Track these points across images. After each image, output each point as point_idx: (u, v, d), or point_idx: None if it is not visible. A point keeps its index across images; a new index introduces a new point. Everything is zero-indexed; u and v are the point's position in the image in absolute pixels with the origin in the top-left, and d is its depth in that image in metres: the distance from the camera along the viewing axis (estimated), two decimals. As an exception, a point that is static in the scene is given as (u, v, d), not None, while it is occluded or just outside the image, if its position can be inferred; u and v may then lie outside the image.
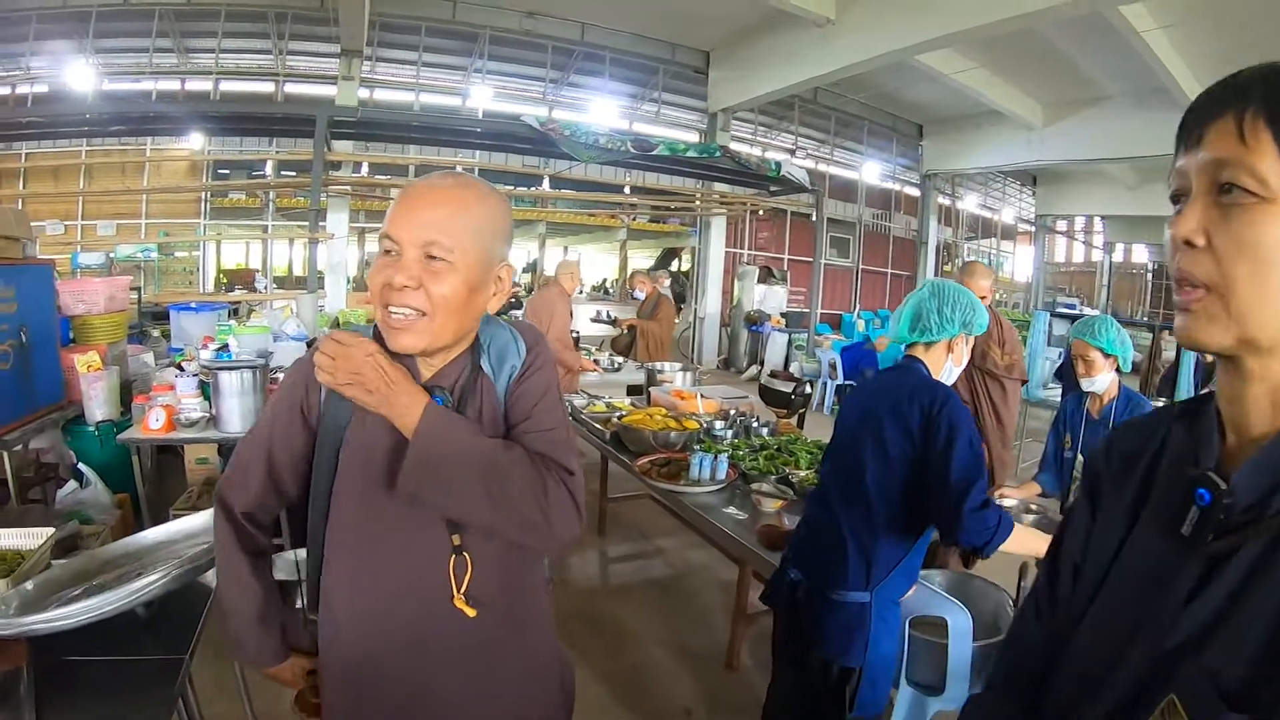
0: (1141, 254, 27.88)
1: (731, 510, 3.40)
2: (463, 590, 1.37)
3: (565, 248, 22.51)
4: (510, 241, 1.43)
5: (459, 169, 13.09)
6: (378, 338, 1.37)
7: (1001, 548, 2.10)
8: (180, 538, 2.10)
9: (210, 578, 1.91)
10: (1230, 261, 0.76)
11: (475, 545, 1.39)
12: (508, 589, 1.46)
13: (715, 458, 3.73)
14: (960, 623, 2.41)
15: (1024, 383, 4.59)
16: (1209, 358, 0.87)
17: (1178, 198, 0.85)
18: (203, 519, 2.13)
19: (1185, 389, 9.34)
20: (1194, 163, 0.82)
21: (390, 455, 1.35)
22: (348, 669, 1.43)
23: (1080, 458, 3.44)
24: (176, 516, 4.21)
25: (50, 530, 2.11)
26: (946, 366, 2.39)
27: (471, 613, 1.37)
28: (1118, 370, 3.35)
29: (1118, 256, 28.00)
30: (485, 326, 1.47)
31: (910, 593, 2.39)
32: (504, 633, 1.46)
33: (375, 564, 1.40)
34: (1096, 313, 17.92)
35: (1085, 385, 3.39)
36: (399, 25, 12.26)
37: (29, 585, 1.79)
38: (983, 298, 3.79)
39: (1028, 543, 2.18)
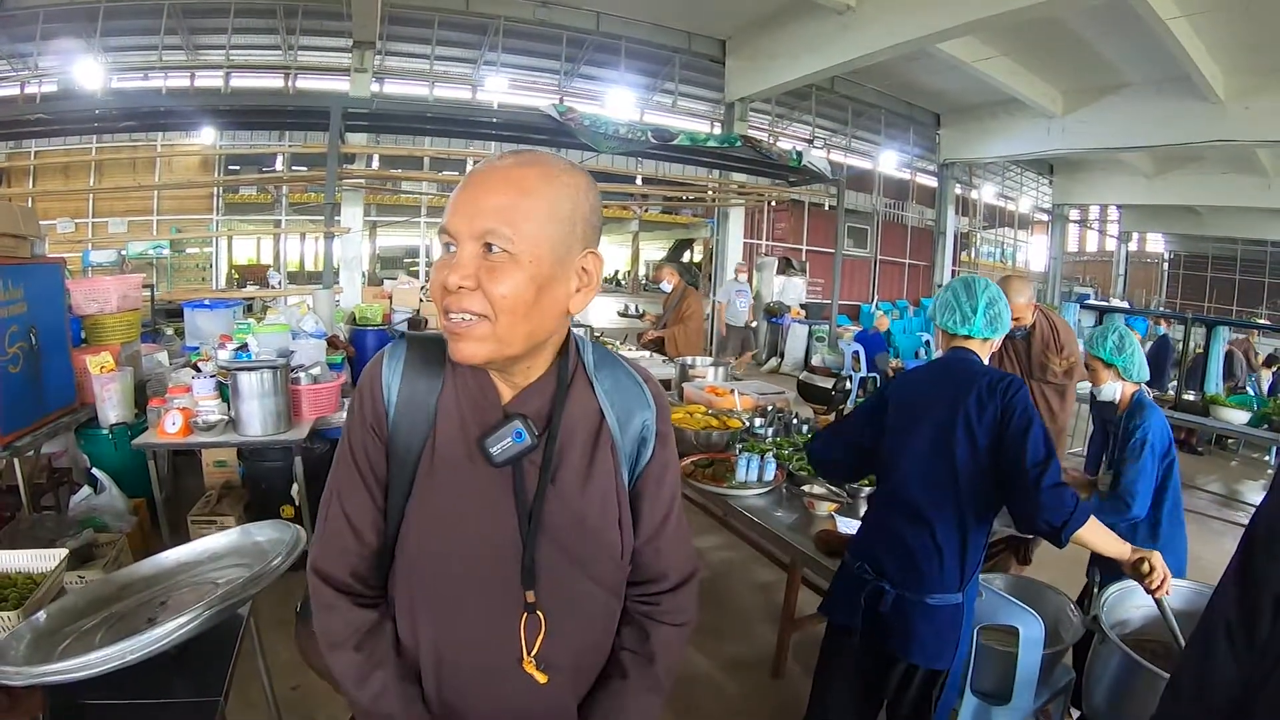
0: (1158, 243, 27.62)
1: (781, 514, 3.30)
2: (533, 652, 1.18)
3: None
4: (595, 225, 1.18)
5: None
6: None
7: (1078, 535, 2.04)
8: (205, 559, 1.93)
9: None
10: None
11: (552, 604, 1.19)
12: (585, 654, 1.27)
13: (762, 459, 3.62)
14: (1033, 630, 2.37)
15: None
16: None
17: None
18: (228, 538, 1.97)
19: (1214, 384, 9.17)
20: None
21: (465, 486, 1.17)
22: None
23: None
24: (195, 523, 4.11)
25: (63, 552, 1.93)
26: (988, 361, 2.40)
27: (542, 679, 1.18)
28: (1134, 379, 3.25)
29: (1133, 245, 27.75)
30: (593, 349, 1.29)
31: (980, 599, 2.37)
32: (574, 700, 1.27)
33: (443, 608, 1.20)
34: (1118, 303, 17.87)
35: (1097, 395, 3.34)
36: (411, 17, 12.12)
37: (41, 616, 1.63)
38: (1017, 319, 3.77)
39: (1107, 537, 2.13)
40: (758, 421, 4.50)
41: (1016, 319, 3.78)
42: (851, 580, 2.36)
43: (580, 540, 1.21)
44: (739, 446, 3.93)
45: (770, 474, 3.56)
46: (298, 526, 1.86)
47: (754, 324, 11.35)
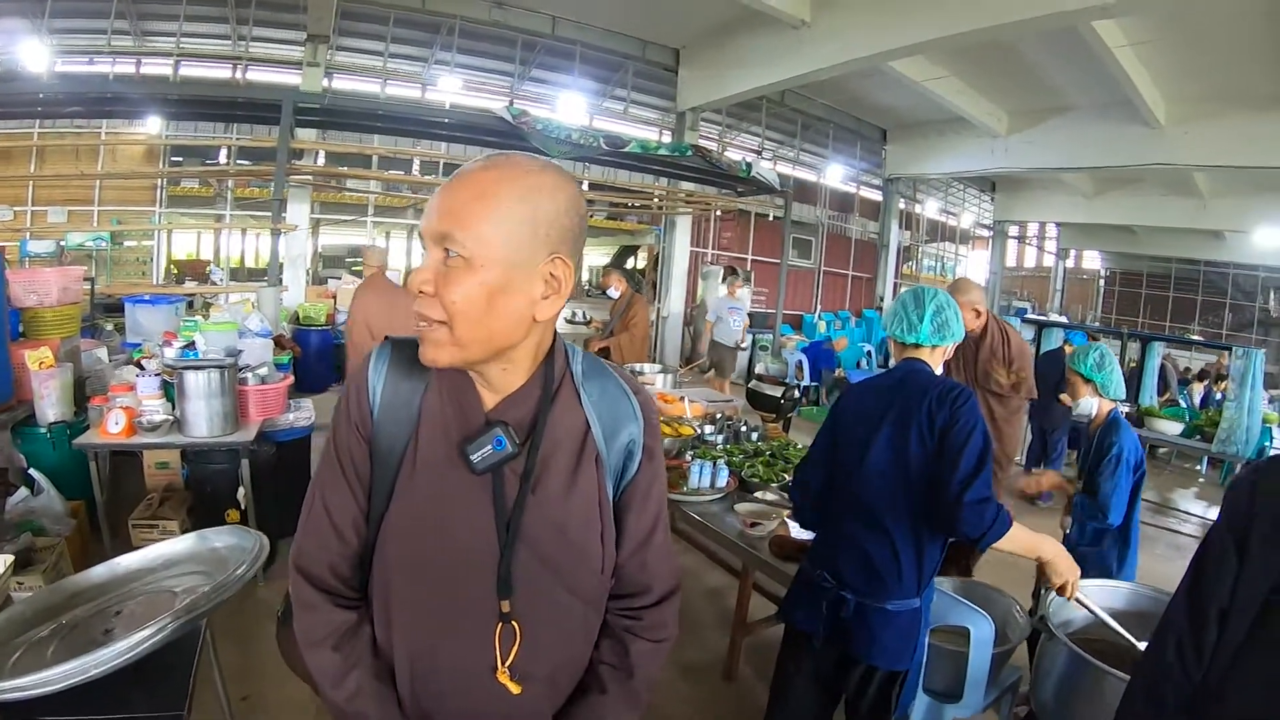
0: (1094, 260, 28.38)
1: (733, 519, 3.36)
2: (508, 663, 1.18)
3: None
4: (566, 228, 1.14)
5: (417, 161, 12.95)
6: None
7: (996, 545, 2.13)
8: (159, 566, 1.87)
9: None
10: None
11: (529, 614, 1.19)
12: (562, 666, 1.27)
13: (714, 465, 3.66)
14: (984, 631, 2.51)
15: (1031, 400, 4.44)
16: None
17: None
18: (184, 545, 1.92)
19: (1149, 396, 9.46)
20: None
21: (445, 491, 1.17)
22: None
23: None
24: (136, 527, 4.02)
25: (8, 558, 1.86)
26: (940, 370, 2.46)
27: (516, 689, 1.18)
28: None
29: (1070, 262, 28.47)
30: (584, 359, 1.29)
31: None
32: (550, 711, 1.26)
33: (418, 614, 1.19)
34: (1056, 318, 18.31)
35: (1074, 409, 3.55)
36: (366, 13, 11.92)
37: (-12, 628, 1.56)
38: (978, 314, 3.98)
39: (1024, 540, 2.19)
40: (708, 429, 4.55)
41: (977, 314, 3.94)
42: (812, 588, 2.41)
43: (560, 551, 1.21)
44: (691, 453, 3.96)
45: (723, 480, 3.64)
46: (260, 534, 1.82)
47: (744, 345, 10.92)
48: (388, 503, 1.19)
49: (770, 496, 3.55)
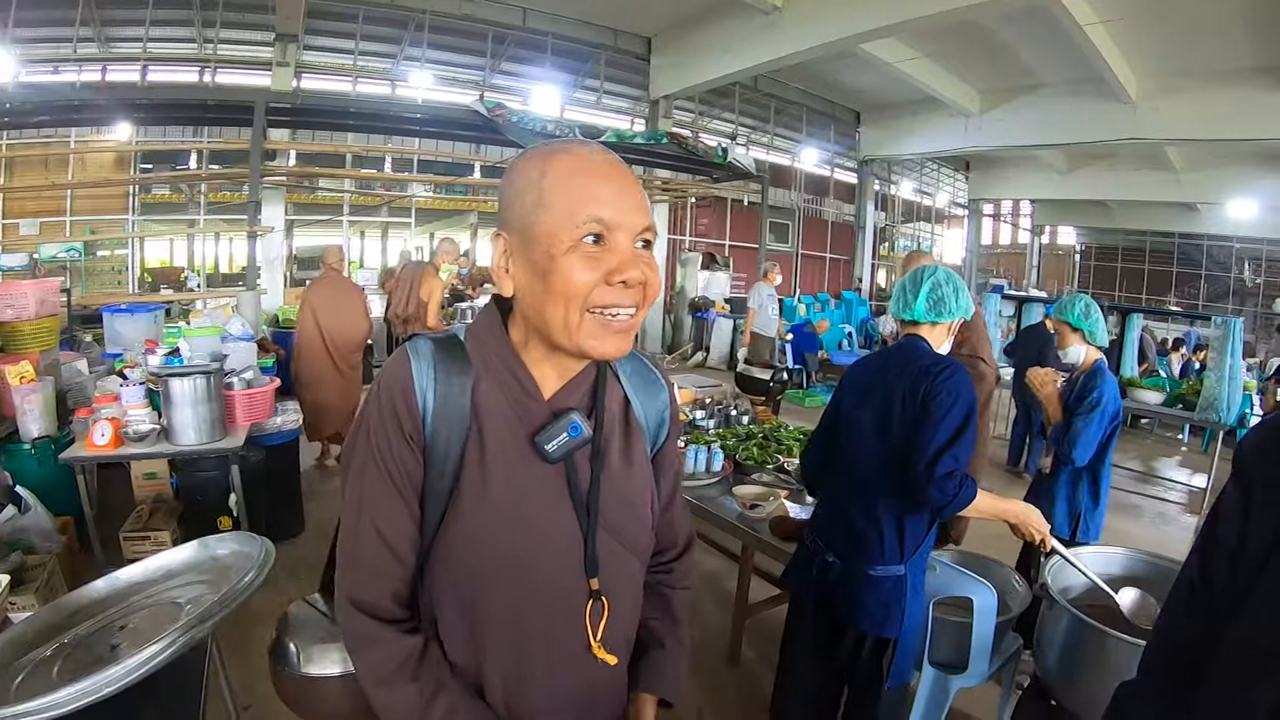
0: (1069, 235, 28.58)
1: (730, 502, 3.38)
2: (599, 637, 1.19)
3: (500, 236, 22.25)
4: (500, 208, 1.17)
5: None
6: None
7: (963, 513, 2.22)
8: (160, 577, 1.82)
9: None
10: None
11: (610, 586, 1.20)
12: (631, 626, 1.31)
13: (709, 450, 3.70)
14: (986, 600, 2.58)
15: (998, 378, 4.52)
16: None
17: None
18: (185, 554, 1.88)
19: (1130, 367, 9.57)
20: None
21: (521, 485, 1.15)
22: None
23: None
24: (128, 540, 3.98)
25: (5, 578, 1.81)
26: (946, 347, 2.48)
27: (613, 660, 1.21)
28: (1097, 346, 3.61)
29: (1045, 238, 28.67)
30: None
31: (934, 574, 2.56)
32: (624, 677, 1.30)
33: (509, 610, 1.17)
34: (1036, 293, 18.54)
35: (1063, 357, 3.67)
36: (334, 10, 11.83)
37: (-12, 651, 1.51)
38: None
39: (990, 506, 2.31)
40: (699, 414, 4.56)
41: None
42: (805, 553, 2.53)
43: (629, 522, 1.23)
44: (684, 439, 3.97)
45: (718, 464, 3.67)
46: (264, 539, 1.78)
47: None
48: (444, 510, 1.15)
49: (767, 478, 3.57)
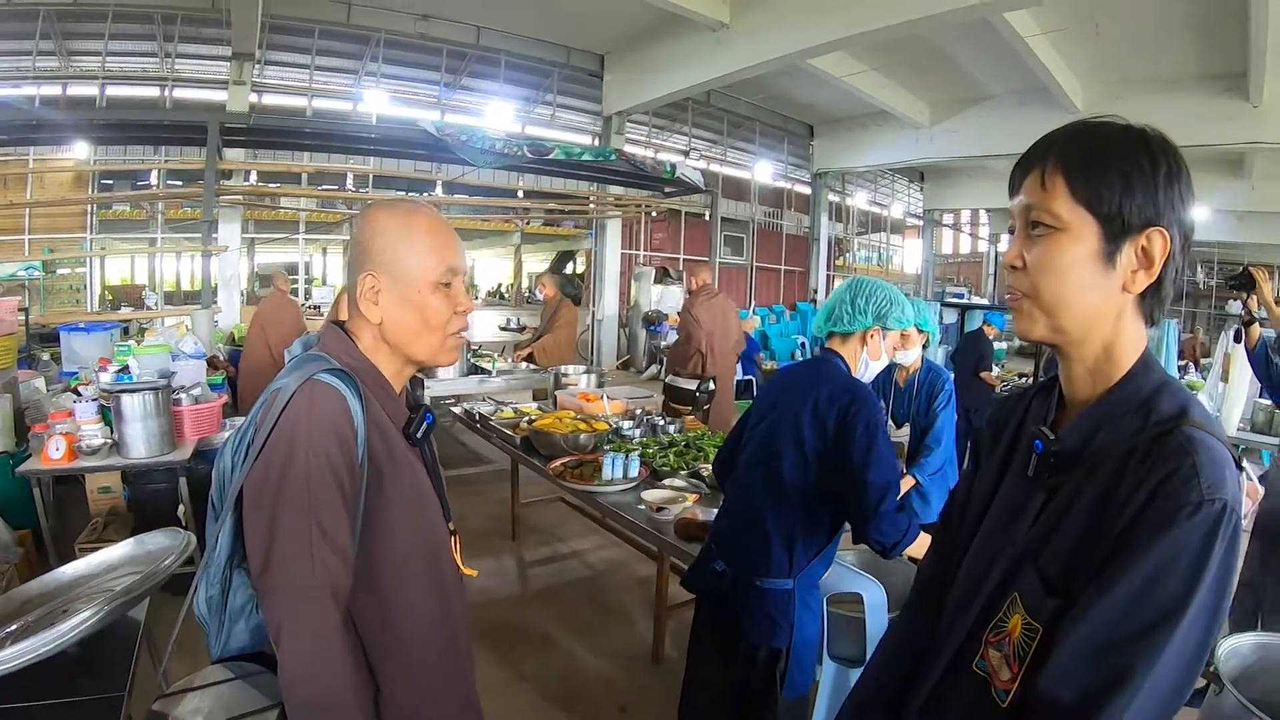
0: (1023, 244, 29.05)
1: (645, 507, 3.43)
2: (460, 559, 1.61)
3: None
4: (366, 248, 1.44)
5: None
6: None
7: (906, 551, 2.25)
8: (101, 570, 2.07)
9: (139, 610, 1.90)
10: (1037, 276, 1.06)
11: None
12: None
13: (627, 457, 3.83)
14: (875, 596, 2.58)
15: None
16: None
17: (1011, 231, 1.13)
18: (123, 550, 2.11)
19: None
20: (1016, 206, 1.10)
21: (411, 463, 1.49)
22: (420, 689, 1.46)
23: (892, 423, 4.03)
24: (83, 550, 4.13)
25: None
26: (863, 360, 2.46)
27: (474, 573, 1.66)
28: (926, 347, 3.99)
29: (1003, 246, 29.05)
30: None
31: (827, 573, 2.53)
32: None
33: (440, 579, 1.52)
34: (979, 300, 18.94)
35: (898, 358, 3.92)
36: (291, 27, 11.94)
37: (-55, 635, 1.75)
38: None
39: (923, 545, 2.26)
40: (626, 424, 4.75)
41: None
42: (704, 556, 2.57)
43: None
44: (607, 447, 4.18)
45: (634, 470, 3.76)
46: (189, 532, 2.03)
47: None
48: (366, 498, 1.38)
49: (679, 483, 3.69)
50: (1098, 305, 1.04)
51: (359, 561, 1.34)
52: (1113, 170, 1.01)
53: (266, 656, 1.42)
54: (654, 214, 15.07)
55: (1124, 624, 0.90)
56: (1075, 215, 1.02)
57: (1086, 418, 1.06)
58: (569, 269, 18.81)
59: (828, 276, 20.00)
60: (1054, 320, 1.06)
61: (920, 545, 2.22)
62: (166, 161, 11.33)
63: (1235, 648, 2.23)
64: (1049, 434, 1.08)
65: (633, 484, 3.72)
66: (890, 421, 4.00)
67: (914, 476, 3.81)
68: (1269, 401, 6.26)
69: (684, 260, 16.84)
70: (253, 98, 11.65)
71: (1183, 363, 12.59)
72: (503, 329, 11.45)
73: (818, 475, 2.30)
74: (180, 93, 11.82)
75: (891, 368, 3.95)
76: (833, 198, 20.29)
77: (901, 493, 3.83)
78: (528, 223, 16.30)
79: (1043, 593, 1.01)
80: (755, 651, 2.35)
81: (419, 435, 1.49)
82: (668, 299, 14.84)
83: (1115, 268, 1.02)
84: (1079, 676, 0.92)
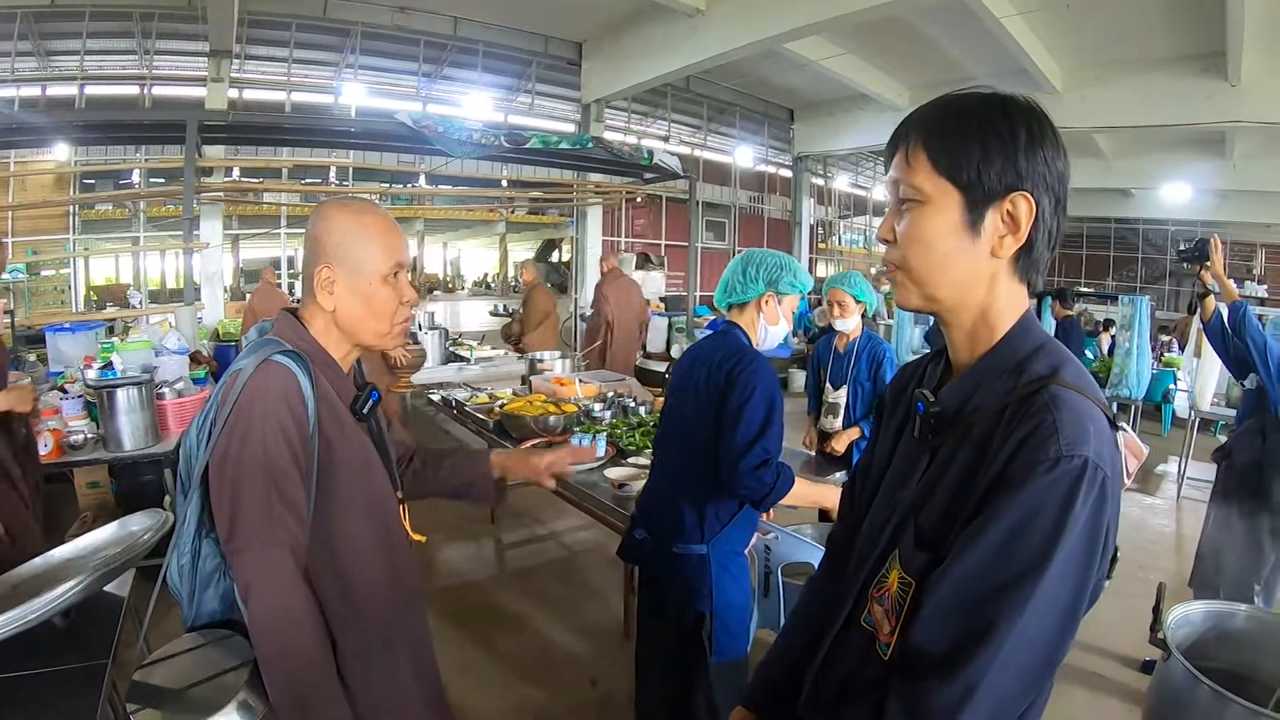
0: (1008, 223, 29.16)
1: (606, 485, 3.58)
2: (409, 525, 1.80)
3: (444, 243, 22.33)
4: (323, 244, 1.60)
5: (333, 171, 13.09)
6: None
7: (783, 501, 2.37)
8: (88, 552, 2.17)
9: (120, 584, 2.05)
10: (906, 249, 1.10)
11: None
12: None
13: (594, 437, 3.98)
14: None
15: None
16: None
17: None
18: (108, 532, 2.23)
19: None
20: (888, 181, 1.15)
21: (360, 437, 1.67)
22: (371, 644, 1.63)
23: (830, 385, 4.34)
24: None
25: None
26: (761, 327, 2.57)
27: (423, 538, 1.84)
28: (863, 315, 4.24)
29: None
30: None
31: (769, 539, 2.76)
32: None
33: (389, 541, 1.69)
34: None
35: (836, 325, 4.23)
36: (269, 22, 11.92)
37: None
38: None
39: (807, 494, 2.50)
40: (597, 406, 4.89)
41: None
42: (630, 527, 2.74)
43: (391, 447, 1.83)
44: (576, 429, 4.33)
45: (602, 450, 3.90)
46: (167, 512, 2.16)
47: None
48: (318, 470, 1.56)
49: (643, 461, 3.79)
50: (968, 272, 1.07)
51: (314, 523, 1.52)
52: (971, 139, 1.04)
53: (235, 623, 1.59)
54: (635, 200, 15.14)
55: (988, 578, 0.93)
56: (937, 186, 1.05)
57: (965, 380, 1.12)
58: (554, 257, 18.86)
59: (810, 260, 20.08)
60: (926, 290, 1.10)
61: (797, 495, 2.38)
62: (147, 160, 11.34)
63: (1186, 615, 2.31)
64: (929, 396, 1.14)
65: (599, 463, 3.82)
66: (828, 384, 4.34)
67: (860, 429, 4.16)
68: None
69: (665, 245, 16.94)
70: (232, 93, 11.69)
71: (1167, 339, 12.72)
72: (493, 314, 11.62)
73: (715, 440, 2.39)
74: (159, 90, 11.83)
75: (832, 338, 4.32)
76: (816, 181, 20.35)
77: (846, 442, 4.14)
78: (512, 212, 16.32)
79: (915, 548, 1.06)
80: (681, 615, 2.48)
81: (364, 410, 1.67)
82: (649, 284, 14.83)
83: (980, 235, 1.05)
84: (947, 629, 0.96)
